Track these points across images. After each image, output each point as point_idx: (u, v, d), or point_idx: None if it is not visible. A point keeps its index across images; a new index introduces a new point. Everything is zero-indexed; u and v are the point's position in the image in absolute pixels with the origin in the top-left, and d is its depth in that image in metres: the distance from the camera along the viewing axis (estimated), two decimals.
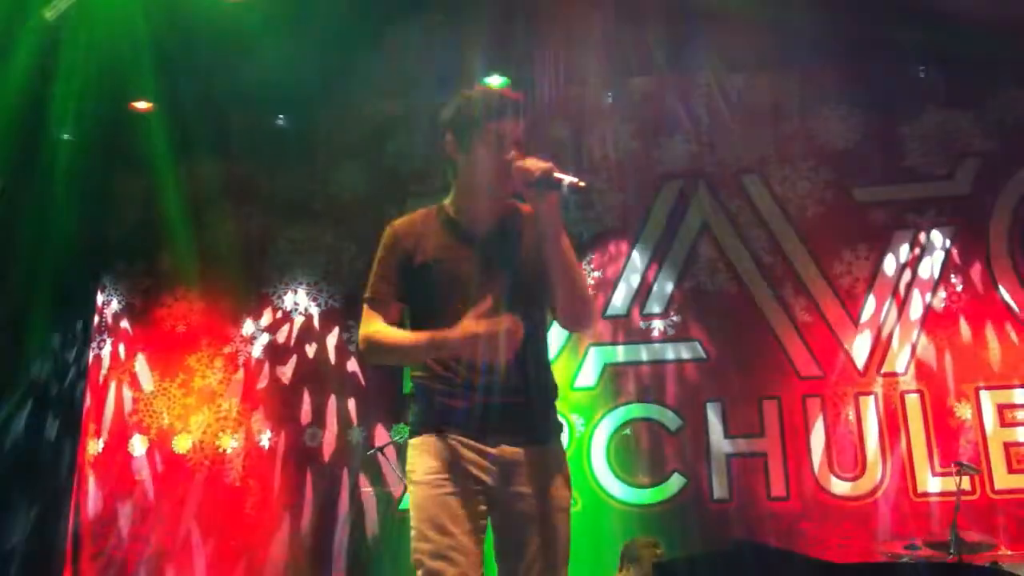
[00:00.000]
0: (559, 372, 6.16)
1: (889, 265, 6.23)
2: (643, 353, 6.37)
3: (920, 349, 6.06)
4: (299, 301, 6.74)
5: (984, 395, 5.90)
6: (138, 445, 6.57)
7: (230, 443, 6.50)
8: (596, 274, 6.51)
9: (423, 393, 2.48)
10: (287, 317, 6.73)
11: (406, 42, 5.72)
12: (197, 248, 6.66)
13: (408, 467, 2.47)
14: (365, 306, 2.54)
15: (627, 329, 6.42)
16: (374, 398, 6.38)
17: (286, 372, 6.62)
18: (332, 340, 6.61)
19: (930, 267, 6.19)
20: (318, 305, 6.73)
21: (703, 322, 6.34)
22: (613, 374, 6.34)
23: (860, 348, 6.12)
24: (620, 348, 6.39)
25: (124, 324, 6.84)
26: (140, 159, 6.43)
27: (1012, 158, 6.25)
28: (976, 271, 6.13)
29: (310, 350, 6.64)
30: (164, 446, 6.55)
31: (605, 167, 6.66)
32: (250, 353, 6.67)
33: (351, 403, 6.47)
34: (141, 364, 6.73)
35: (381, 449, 5.74)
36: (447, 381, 2.43)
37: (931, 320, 6.10)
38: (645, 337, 6.38)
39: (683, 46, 6.05)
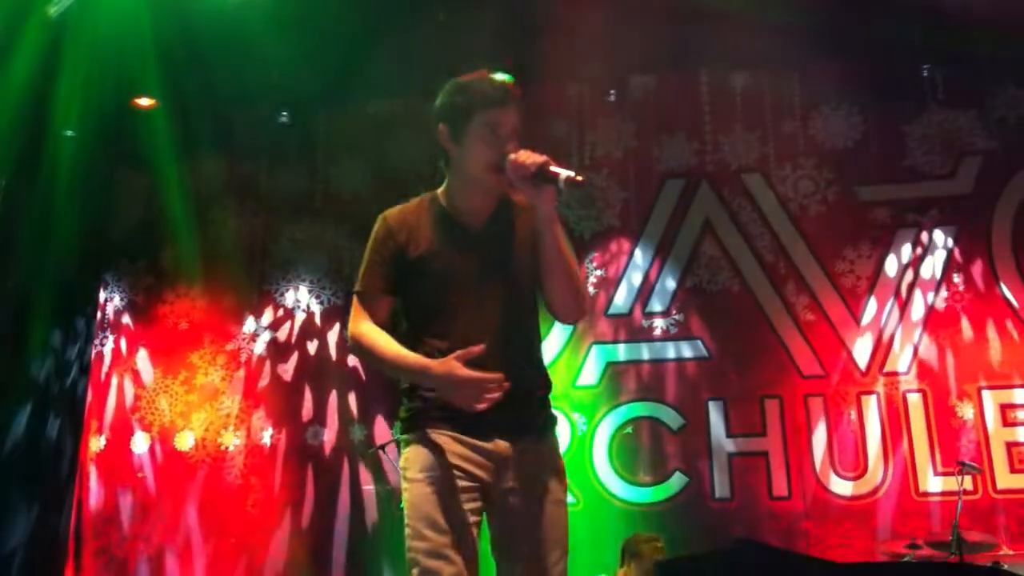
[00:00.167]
0: (561, 371, 6.25)
1: (891, 264, 6.23)
2: (645, 352, 6.37)
3: (922, 349, 6.06)
4: (301, 299, 6.75)
5: (986, 395, 5.90)
6: (140, 442, 6.57)
7: (232, 440, 6.50)
8: (598, 272, 6.51)
9: (415, 389, 2.43)
10: (289, 314, 6.73)
11: (408, 40, 5.72)
12: (199, 245, 6.68)
13: (402, 464, 2.42)
14: (355, 299, 2.49)
15: (629, 328, 6.42)
16: (375, 393, 6.38)
17: (288, 369, 6.62)
18: (333, 337, 6.61)
19: (932, 266, 6.19)
20: (320, 303, 6.73)
21: (705, 321, 6.34)
22: (615, 373, 6.35)
23: (862, 347, 6.12)
24: (622, 347, 6.39)
25: (126, 321, 6.84)
26: (143, 156, 6.45)
27: (1014, 157, 6.24)
28: (978, 270, 6.13)
29: (312, 347, 6.65)
30: (166, 443, 6.56)
31: (607, 166, 6.67)
32: (252, 350, 6.67)
33: (352, 400, 6.48)
34: (143, 361, 6.74)
35: (383, 447, 5.75)
36: None
37: (933, 319, 6.10)
38: (647, 336, 6.38)
39: (685, 45, 6.04)
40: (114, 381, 6.72)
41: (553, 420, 2.54)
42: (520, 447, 2.39)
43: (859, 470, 5.92)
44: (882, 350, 6.10)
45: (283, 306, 6.75)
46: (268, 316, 6.74)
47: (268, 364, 6.64)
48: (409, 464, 2.39)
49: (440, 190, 2.56)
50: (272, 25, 5.46)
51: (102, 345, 6.80)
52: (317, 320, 6.71)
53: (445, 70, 2.51)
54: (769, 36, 5.67)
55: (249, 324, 6.73)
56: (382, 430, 6.32)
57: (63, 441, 6.40)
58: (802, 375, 6.13)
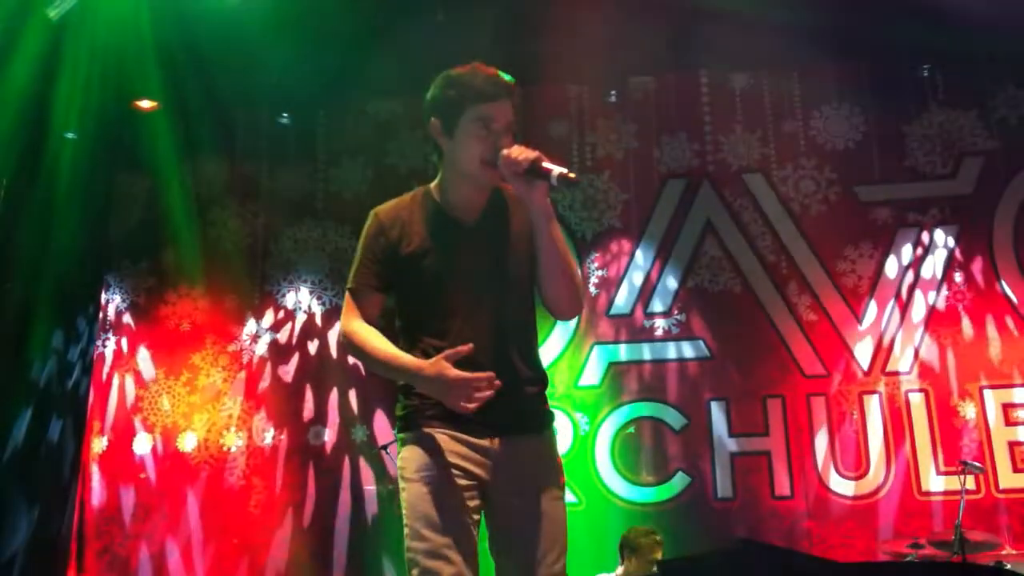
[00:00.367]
0: (563, 371, 6.25)
1: (892, 264, 6.23)
2: (647, 352, 6.37)
3: (924, 348, 6.06)
4: (303, 299, 6.75)
5: (988, 394, 5.90)
6: (142, 443, 6.57)
7: (234, 441, 6.50)
8: (600, 273, 6.52)
9: (411, 387, 2.40)
10: (290, 315, 6.73)
11: (408, 41, 5.72)
12: (201, 246, 6.69)
13: (399, 464, 2.40)
14: (347, 296, 2.47)
15: (631, 328, 6.42)
16: (376, 391, 6.37)
17: (289, 371, 6.62)
18: (334, 336, 6.61)
19: (933, 266, 6.19)
20: (322, 303, 6.73)
21: (707, 321, 6.34)
22: (617, 373, 6.34)
23: (864, 347, 6.12)
24: (624, 347, 6.39)
25: (128, 322, 6.84)
26: (144, 158, 6.47)
27: (1015, 157, 6.25)
28: (980, 270, 6.13)
29: (312, 347, 6.65)
30: (168, 444, 6.56)
31: (608, 167, 6.67)
32: (254, 351, 6.67)
33: (353, 400, 6.47)
34: (145, 362, 6.74)
35: (385, 447, 5.74)
36: None
37: (935, 319, 6.11)
38: (649, 336, 6.38)
39: (685, 45, 6.05)
40: (116, 382, 6.71)
41: (550, 417, 2.51)
42: (517, 444, 2.38)
43: (861, 470, 5.92)
44: (884, 350, 6.10)
45: (284, 307, 6.75)
46: (270, 317, 6.74)
47: (270, 365, 6.64)
48: (406, 463, 2.37)
49: (433, 184, 2.53)
50: (272, 27, 5.46)
51: (104, 346, 6.80)
52: (318, 320, 6.71)
53: (445, 71, 2.48)
54: (769, 36, 5.68)
55: (251, 325, 6.72)
56: (383, 428, 6.32)
57: (65, 442, 6.40)
58: (804, 375, 6.13)
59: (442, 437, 2.34)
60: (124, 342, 6.80)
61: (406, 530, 2.30)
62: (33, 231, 5.94)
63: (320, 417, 6.49)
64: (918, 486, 5.83)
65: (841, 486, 5.90)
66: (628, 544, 4.85)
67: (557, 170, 2.26)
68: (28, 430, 6.08)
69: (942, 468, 5.81)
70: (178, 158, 6.40)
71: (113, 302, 6.88)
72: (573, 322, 6.35)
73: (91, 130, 6.01)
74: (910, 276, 6.20)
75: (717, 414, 6.13)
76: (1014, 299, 6.04)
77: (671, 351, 6.34)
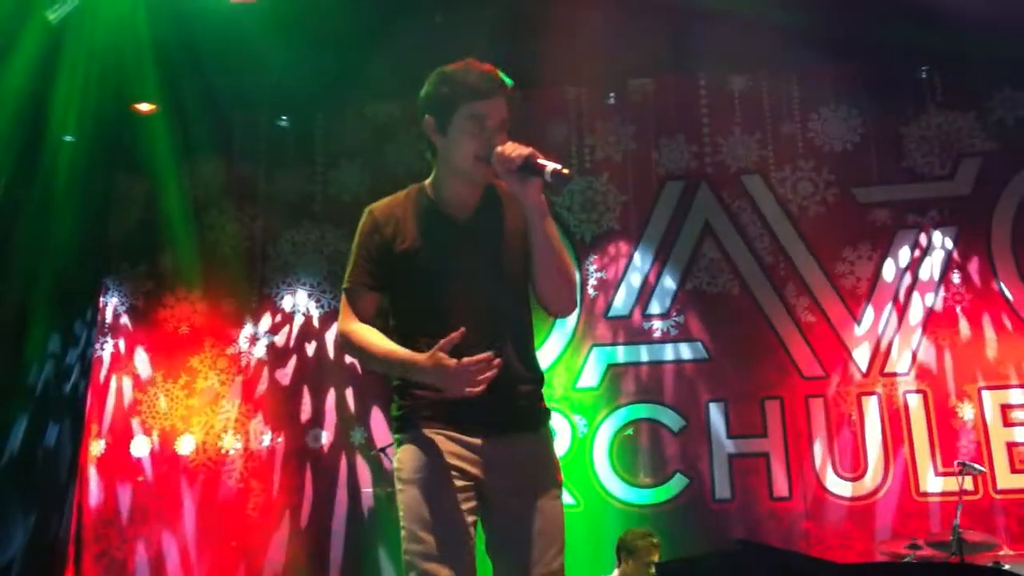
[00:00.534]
0: (561, 373, 6.25)
1: (891, 266, 6.23)
2: (645, 353, 6.37)
3: (922, 349, 6.07)
4: (301, 302, 6.75)
5: (986, 395, 5.91)
6: (140, 446, 6.57)
7: (232, 444, 6.50)
8: (598, 275, 6.52)
9: (406, 386, 2.40)
10: (288, 318, 6.73)
11: (406, 43, 5.72)
12: (199, 249, 6.69)
13: (396, 465, 2.39)
14: (343, 296, 2.46)
15: (629, 330, 6.42)
16: (373, 390, 6.37)
17: (287, 373, 6.62)
18: (331, 336, 6.61)
19: (931, 268, 6.19)
20: (320, 306, 6.73)
21: (705, 322, 6.34)
22: (615, 375, 6.34)
23: (863, 348, 6.12)
24: (622, 349, 6.39)
25: (127, 324, 6.84)
26: (142, 160, 6.46)
27: (1013, 158, 6.25)
28: (978, 271, 6.13)
29: (310, 349, 6.65)
30: (167, 447, 6.55)
31: (606, 169, 6.67)
32: (252, 354, 6.67)
33: (351, 402, 6.47)
34: (143, 365, 6.73)
35: (383, 449, 5.75)
36: None
37: (933, 321, 6.11)
38: (647, 337, 6.38)
39: (684, 46, 6.05)
40: (114, 384, 6.71)
41: (546, 414, 2.49)
42: (513, 442, 2.37)
43: (859, 471, 5.92)
44: (882, 351, 6.11)
45: (283, 310, 6.75)
46: (267, 320, 6.74)
47: (269, 368, 6.64)
48: (403, 465, 2.35)
49: (427, 181, 2.52)
50: (270, 29, 5.46)
51: (102, 349, 6.80)
52: (315, 323, 6.71)
53: (439, 67, 2.46)
54: (768, 38, 5.68)
55: (249, 328, 6.72)
56: (381, 429, 6.31)
57: (62, 446, 6.40)
58: (803, 376, 6.13)
59: (438, 437, 2.33)
60: (122, 345, 6.80)
61: (403, 533, 2.29)
62: (31, 233, 5.94)
63: (318, 419, 6.49)
64: (916, 487, 5.83)
65: (839, 487, 5.90)
66: (625, 546, 4.86)
67: (551, 166, 2.25)
68: (25, 436, 6.08)
69: (940, 469, 5.81)
70: (176, 161, 6.40)
71: (111, 305, 6.88)
72: (571, 324, 6.36)
73: (89, 132, 6.01)
74: (908, 278, 6.20)
75: (715, 416, 6.13)
76: (1011, 299, 6.04)
77: (669, 353, 6.34)
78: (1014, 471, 5.76)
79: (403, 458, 2.36)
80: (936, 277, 6.17)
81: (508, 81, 2.41)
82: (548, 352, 6.27)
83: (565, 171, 2.25)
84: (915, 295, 6.16)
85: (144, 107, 6.27)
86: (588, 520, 5.98)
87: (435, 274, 2.39)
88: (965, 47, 5.77)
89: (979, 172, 6.28)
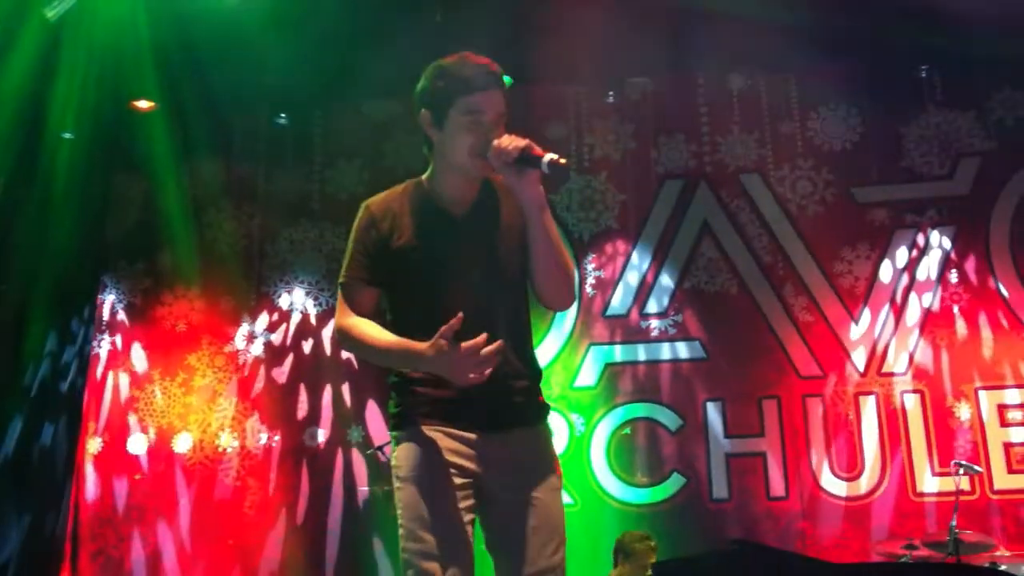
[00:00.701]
0: (559, 372, 6.25)
1: (889, 266, 6.23)
2: (642, 353, 6.37)
3: (920, 349, 6.07)
4: (298, 300, 6.75)
5: (983, 395, 5.90)
6: (137, 443, 6.57)
7: (229, 442, 6.50)
8: (596, 274, 6.52)
9: (404, 383, 2.38)
10: (286, 316, 6.73)
11: (405, 42, 5.71)
12: (197, 247, 6.69)
13: (394, 463, 2.37)
14: (340, 292, 2.44)
15: (627, 329, 6.42)
16: (369, 386, 6.37)
17: (284, 372, 6.62)
18: (327, 332, 6.61)
19: (930, 267, 6.19)
20: (317, 305, 6.73)
21: (703, 322, 6.34)
22: (612, 374, 6.35)
23: (860, 348, 6.12)
24: (619, 348, 6.40)
25: (124, 322, 6.84)
26: (141, 158, 6.47)
27: (1012, 158, 6.25)
28: (976, 271, 6.13)
29: (307, 347, 6.65)
30: (163, 445, 6.56)
31: (605, 167, 6.67)
32: (250, 352, 6.67)
33: (348, 400, 6.48)
34: (141, 363, 6.74)
35: (380, 448, 5.75)
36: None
37: (930, 320, 6.11)
38: (645, 337, 6.38)
39: (682, 47, 6.04)
40: (111, 382, 6.72)
41: (544, 410, 2.48)
42: (512, 438, 2.36)
43: (856, 471, 5.92)
44: (880, 351, 6.10)
45: (280, 308, 6.75)
46: (266, 318, 6.74)
47: (266, 366, 6.64)
48: (401, 463, 2.34)
49: (424, 176, 2.50)
50: (269, 28, 5.46)
51: (100, 346, 6.80)
52: (313, 321, 6.71)
53: (435, 61, 2.45)
54: (766, 38, 5.66)
55: (247, 326, 6.72)
56: (378, 426, 6.31)
57: (58, 445, 6.40)
58: (800, 376, 6.13)
59: (436, 434, 2.32)
60: (120, 342, 6.80)
61: (401, 531, 2.28)
62: (30, 232, 5.94)
63: (314, 418, 6.49)
64: (913, 487, 5.83)
65: (836, 487, 5.90)
66: (623, 549, 4.86)
67: (548, 157, 2.24)
68: (21, 435, 6.08)
69: (937, 469, 5.81)
70: (175, 159, 6.40)
71: (109, 302, 6.88)
72: (569, 323, 6.36)
73: (88, 131, 6.01)
74: (906, 278, 6.20)
75: (713, 415, 6.14)
76: (1009, 299, 6.04)
77: (667, 352, 6.34)
78: (1011, 471, 5.76)
79: (401, 456, 2.35)
80: (934, 277, 6.16)
81: (507, 80, 2.39)
82: (546, 351, 6.28)
83: (563, 161, 2.23)
84: (912, 295, 6.16)
85: (143, 105, 6.27)
86: (585, 519, 5.98)
87: (431, 269, 2.37)
88: (965, 47, 5.77)
89: (978, 172, 6.28)
